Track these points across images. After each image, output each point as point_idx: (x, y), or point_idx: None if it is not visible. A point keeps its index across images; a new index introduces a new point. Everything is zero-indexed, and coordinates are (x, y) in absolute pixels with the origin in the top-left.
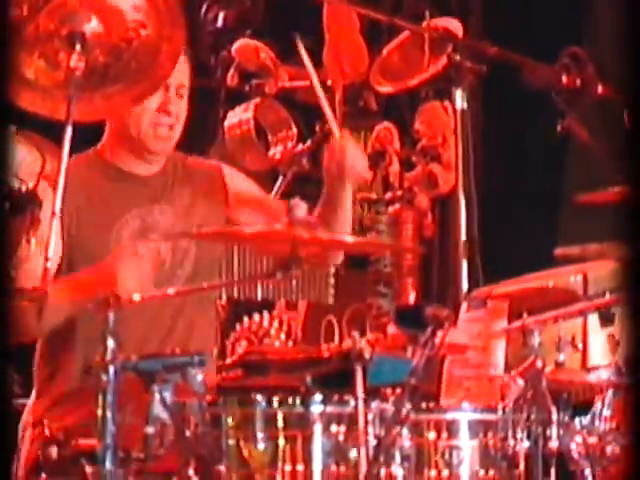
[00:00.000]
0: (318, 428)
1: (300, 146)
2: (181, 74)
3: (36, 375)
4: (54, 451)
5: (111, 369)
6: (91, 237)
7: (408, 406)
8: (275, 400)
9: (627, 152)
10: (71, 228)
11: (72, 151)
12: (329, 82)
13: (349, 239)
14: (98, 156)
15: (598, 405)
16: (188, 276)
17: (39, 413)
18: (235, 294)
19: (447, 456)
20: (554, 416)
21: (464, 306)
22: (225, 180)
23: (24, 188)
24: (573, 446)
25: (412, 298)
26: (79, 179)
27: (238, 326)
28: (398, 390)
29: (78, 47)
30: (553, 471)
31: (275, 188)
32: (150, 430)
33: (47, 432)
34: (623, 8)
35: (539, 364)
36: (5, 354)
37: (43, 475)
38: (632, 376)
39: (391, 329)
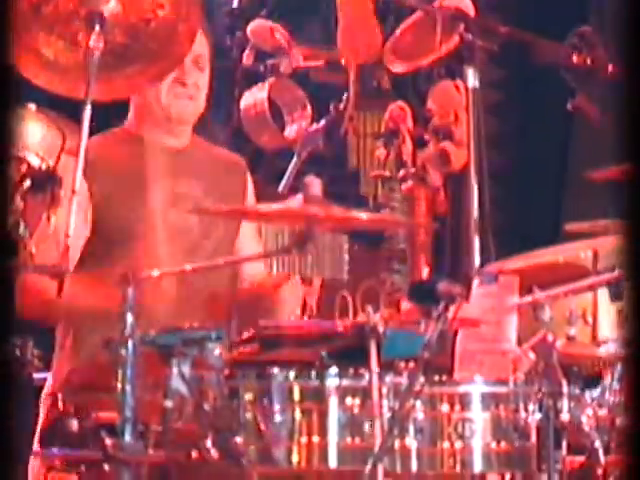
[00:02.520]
0: (333, 401)
1: (315, 125)
2: (198, 45)
3: (57, 347)
4: (74, 424)
5: (130, 344)
6: (121, 209)
7: (421, 379)
8: (291, 374)
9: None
10: (102, 205)
11: (92, 130)
12: (343, 62)
13: (363, 216)
14: (125, 132)
15: (608, 378)
16: (214, 248)
17: (55, 386)
18: None
19: (460, 428)
20: (565, 389)
21: (476, 281)
22: (247, 180)
23: (44, 166)
24: (584, 418)
25: (425, 274)
26: (107, 156)
27: None
28: (412, 364)
29: (97, 27)
30: (564, 443)
31: (290, 167)
32: (169, 403)
33: (60, 405)
34: None
35: (550, 338)
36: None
37: (56, 447)
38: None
39: (404, 304)
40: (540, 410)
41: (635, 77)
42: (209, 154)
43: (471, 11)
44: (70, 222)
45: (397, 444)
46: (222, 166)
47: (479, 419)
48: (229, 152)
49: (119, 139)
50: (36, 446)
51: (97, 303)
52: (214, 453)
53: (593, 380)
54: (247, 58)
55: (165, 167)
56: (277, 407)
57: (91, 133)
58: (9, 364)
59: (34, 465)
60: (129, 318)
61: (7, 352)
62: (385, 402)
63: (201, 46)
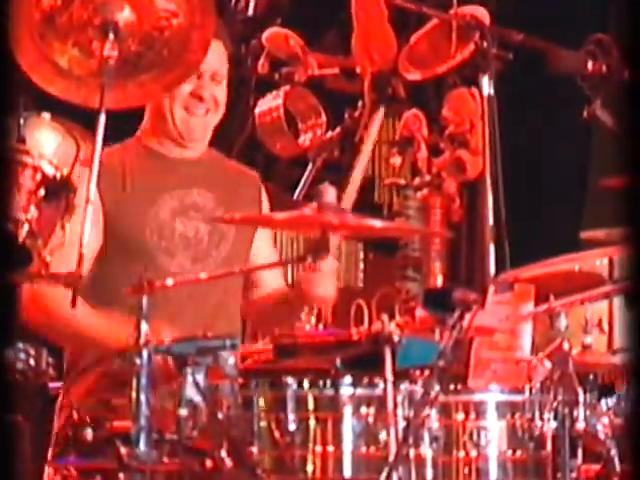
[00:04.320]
0: (348, 410)
1: (329, 133)
2: (217, 61)
3: (65, 359)
4: (89, 433)
5: (144, 352)
6: (131, 220)
7: (436, 388)
8: (306, 382)
9: None
10: (112, 214)
11: (106, 138)
12: (358, 69)
13: (378, 224)
14: (137, 142)
15: (624, 387)
16: (223, 259)
17: (68, 396)
18: None
19: (475, 437)
20: (581, 397)
21: (491, 289)
22: (262, 194)
23: (59, 175)
24: (599, 427)
25: (440, 282)
26: (118, 166)
27: None
28: (427, 372)
29: (111, 36)
30: (580, 452)
31: (305, 175)
32: (183, 412)
33: (75, 416)
34: None
35: (566, 346)
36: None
37: (72, 456)
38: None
39: (419, 312)
40: (556, 419)
41: None
42: (222, 166)
43: (486, 19)
44: (85, 231)
45: (412, 453)
46: (235, 178)
47: (494, 428)
48: (243, 166)
49: (130, 150)
50: (51, 455)
51: (106, 340)
52: (228, 462)
53: (609, 388)
54: (262, 66)
55: (176, 178)
56: (291, 416)
57: (105, 142)
58: (24, 372)
59: (49, 474)
60: (144, 327)
61: (20, 361)
62: (400, 411)
63: (220, 62)
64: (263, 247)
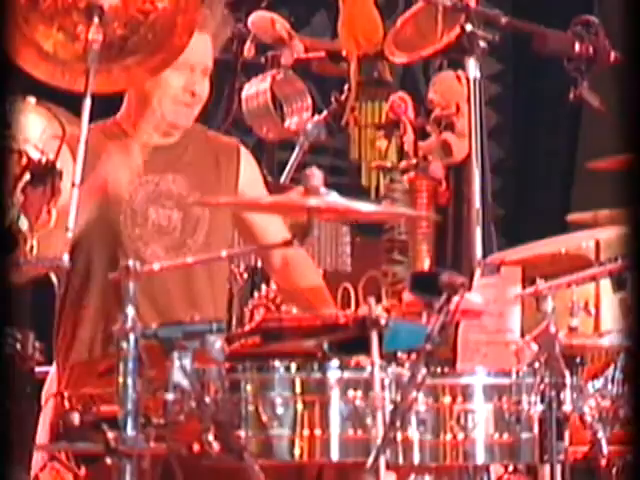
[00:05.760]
0: (335, 393)
1: (316, 117)
2: (206, 56)
3: (55, 345)
4: (76, 418)
5: (131, 337)
6: (106, 204)
7: (424, 371)
8: (293, 366)
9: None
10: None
11: (92, 122)
12: (344, 53)
13: (365, 207)
14: (117, 125)
15: (611, 369)
16: (200, 246)
17: (60, 383)
18: (252, 262)
19: (462, 420)
20: (567, 380)
21: (478, 272)
22: (240, 160)
23: (44, 159)
24: (586, 409)
25: (427, 265)
26: (95, 148)
27: (256, 293)
28: (414, 355)
29: (96, 20)
30: (567, 434)
31: (291, 158)
32: (170, 397)
33: (67, 404)
34: None
35: (552, 329)
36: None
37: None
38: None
39: (406, 296)
40: (542, 401)
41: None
42: (201, 143)
43: (472, 1)
44: (70, 215)
45: (399, 436)
46: (212, 157)
47: (481, 411)
48: (222, 137)
49: (109, 132)
50: (39, 440)
51: None
52: (216, 446)
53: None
54: (248, 50)
55: (152, 164)
56: (279, 400)
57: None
58: (9, 357)
59: (37, 459)
60: (130, 311)
61: (7, 345)
62: (387, 394)
63: (209, 55)
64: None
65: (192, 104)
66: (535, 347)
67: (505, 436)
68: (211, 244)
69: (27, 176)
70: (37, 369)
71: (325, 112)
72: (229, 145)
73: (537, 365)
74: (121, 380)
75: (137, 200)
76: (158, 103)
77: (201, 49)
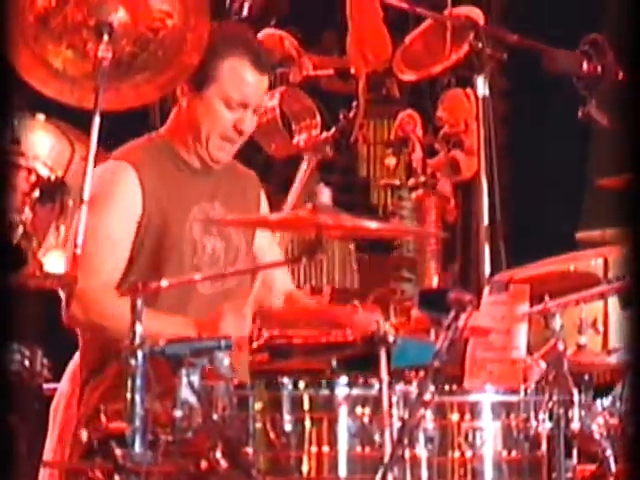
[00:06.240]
0: (343, 410)
1: (324, 134)
2: (262, 96)
3: (83, 366)
4: (84, 434)
5: (139, 354)
6: (170, 226)
7: (432, 388)
8: (301, 383)
9: None
10: (154, 216)
11: (100, 140)
12: (352, 70)
13: (373, 225)
14: (166, 143)
15: (619, 387)
16: (237, 276)
17: (93, 403)
18: None
19: (470, 437)
20: (576, 398)
21: (486, 290)
22: (260, 189)
23: (53, 176)
24: (594, 427)
25: (435, 282)
26: (153, 165)
27: None
28: (422, 373)
29: (106, 37)
30: (575, 452)
31: (299, 175)
32: (178, 413)
33: (103, 420)
34: None
35: (561, 346)
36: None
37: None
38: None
39: (415, 313)
40: (551, 419)
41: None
42: (233, 172)
43: (481, 20)
44: (79, 232)
45: (407, 454)
46: (243, 183)
47: (489, 428)
48: (244, 167)
49: (161, 149)
50: (47, 456)
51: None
52: (223, 463)
53: (604, 388)
54: None
55: (201, 190)
56: (287, 417)
57: (99, 143)
58: (18, 374)
59: (44, 475)
60: (138, 328)
61: (15, 362)
62: (395, 411)
63: (263, 96)
64: (268, 246)
65: (237, 141)
66: (543, 365)
67: (513, 454)
68: (243, 276)
69: (36, 193)
70: (45, 386)
71: (333, 129)
72: (250, 174)
73: (545, 383)
74: (129, 397)
75: (195, 227)
76: (206, 136)
77: (260, 90)
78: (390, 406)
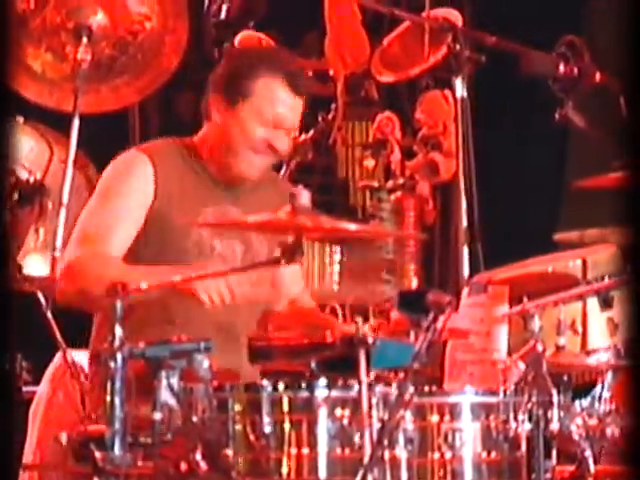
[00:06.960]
0: (323, 412)
1: (303, 136)
2: (297, 117)
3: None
4: (63, 437)
5: (119, 356)
6: (174, 222)
7: (411, 390)
8: (281, 385)
9: (625, 138)
10: (162, 210)
11: (80, 142)
12: (331, 72)
13: (352, 226)
14: (190, 148)
15: (598, 387)
16: (254, 280)
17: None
18: None
19: (450, 439)
20: (555, 398)
21: (465, 291)
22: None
23: (32, 179)
24: (574, 428)
25: (414, 284)
26: (171, 162)
27: None
28: (401, 374)
29: (85, 40)
30: (554, 453)
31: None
32: (157, 416)
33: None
34: None
35: (540, 348)
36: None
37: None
38: (631, 359)
39: (394, 314)
40: (530, 420)
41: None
42: (268, 187)
43: (459, 22)
44: (59, 234)
45: (387, 455)
46: (279, 200)
47: (469, 429)
48: (287, 183)
49: (185, 155)
50: (26, 459)
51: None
52: (203, 465)
53: (583, 389)
54: None
55: (216, 194)
56: (266, 419)
57: (79, 145)
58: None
59: (23, 478)
60: (118, 331)
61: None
62: (375, 413)
63: (298, 118)
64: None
65: (269, 158)
66: (522, 366)
67: (493, 454)
68: (261, 280)
69: (15, 196)
70: (24, 389)
71: (312, 131)
72: (284, 189)
73: (524, 384)
74: (109, 399)
75: (205, 229)
76: (237, 149)
77: (294, 112)
78: (370, 407)
